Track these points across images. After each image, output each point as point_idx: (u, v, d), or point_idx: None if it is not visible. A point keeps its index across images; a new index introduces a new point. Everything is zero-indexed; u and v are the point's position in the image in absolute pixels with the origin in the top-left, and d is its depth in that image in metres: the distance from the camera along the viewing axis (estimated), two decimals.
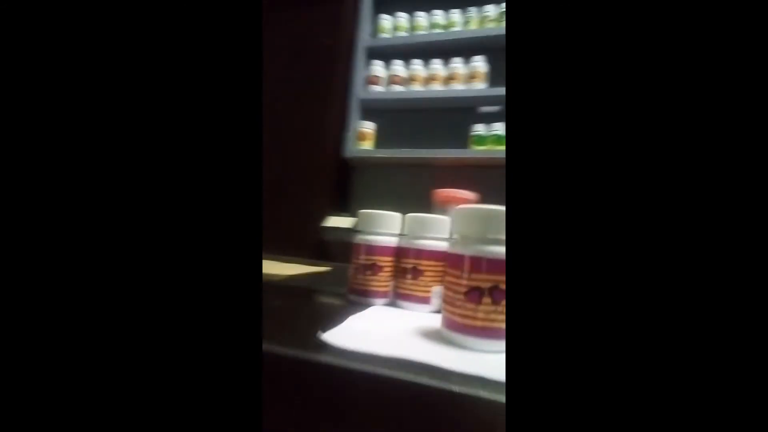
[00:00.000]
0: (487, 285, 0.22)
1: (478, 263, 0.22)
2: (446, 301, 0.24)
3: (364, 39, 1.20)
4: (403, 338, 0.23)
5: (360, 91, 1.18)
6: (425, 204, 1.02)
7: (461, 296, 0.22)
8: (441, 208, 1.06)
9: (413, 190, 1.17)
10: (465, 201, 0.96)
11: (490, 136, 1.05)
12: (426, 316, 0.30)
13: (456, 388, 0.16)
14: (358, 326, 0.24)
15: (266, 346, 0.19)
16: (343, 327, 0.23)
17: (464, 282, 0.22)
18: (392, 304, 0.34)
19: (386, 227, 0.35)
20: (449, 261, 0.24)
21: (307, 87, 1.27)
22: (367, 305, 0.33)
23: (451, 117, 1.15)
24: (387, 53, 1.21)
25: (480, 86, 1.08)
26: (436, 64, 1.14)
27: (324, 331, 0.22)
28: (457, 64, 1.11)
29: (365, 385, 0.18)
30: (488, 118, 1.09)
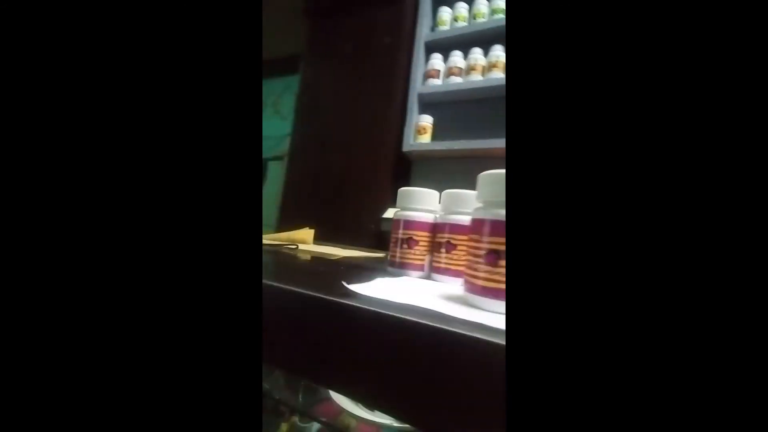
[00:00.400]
0: (503, 248, 0.22)
1: (497, 226, 0.23)
2: (467, 265, 0.25)
3: (424, 34, 1.22)
4: (421, 295, 0.24)
5: (419, 86, 1.20)
6: None
7: (480, 259, 0.23)
8: None
9: (471, 181, 1.15)
10: None
11: None
12: (457, 288, 0.31)
13: (457, 329, 0.17)
14: (383, 284, 0.27)
15: (295, 289, 0.22)
16: (370, 283, 0.26)
17: (484, 245, 0.23)
18: (428, 277, 0.36)
19: (423, 203, 0.37)
20: (472, 227, 0.25)
21: (370, 85, 1.32)
22: (401, 276, 0.35)
23: (491, 105, 1.10)
24: (446, 45, 1.20)
25: None
26: (497, 51, 1.09)
27: (350, 283, 0.24)
28: (498, 52, 1.06)
29: (376, 324, 0.20)
30: None
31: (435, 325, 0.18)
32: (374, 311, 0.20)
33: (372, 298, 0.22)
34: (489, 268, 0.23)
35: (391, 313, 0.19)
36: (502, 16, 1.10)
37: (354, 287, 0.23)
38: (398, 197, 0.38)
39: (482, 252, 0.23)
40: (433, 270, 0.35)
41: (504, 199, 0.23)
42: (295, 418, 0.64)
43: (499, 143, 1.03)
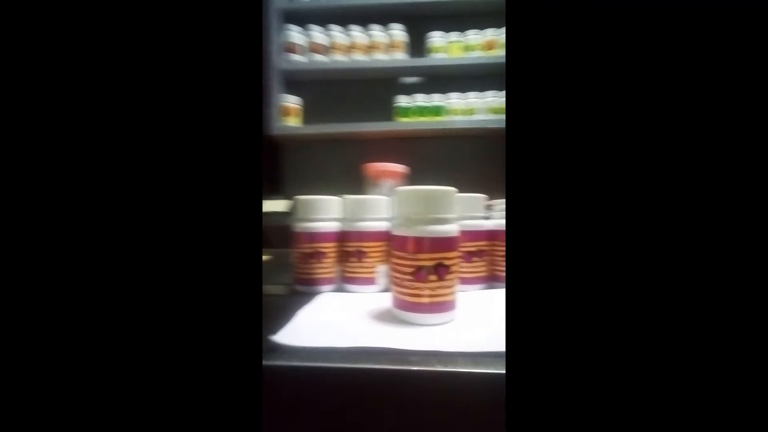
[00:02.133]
0: (431, 263, 0.23)
1: (421, 243, 0.23)
2: (394, 282, 0.25)
3: (276, 1, 1.09)
4: (355, 325, 0.23)
5: (278, 61, 1.09)
6: (357, 179, 1.02)
7: (409, 276, 0.24)
8: (373, 182, 1.07)
9: (344, 166, 1.16)
10: (395, 174, 0.98)
11: (412, 107, 1.07)
12: (374, 297, 0.31)
13: (415, 367, 0.17)
14: (309, 320, 0.24)
15: None
16: (294, 324, 0.23)
17: (410, 262, 0.23)
18: (339, 288, 0.34)
19: (326, 212, 0.34)
20: (394, 242, 0.25)
21: None
22: (314, 294, 0.32)
23: (373, 88, 1.14)
24: (302, 17, 1.12)
25: (401, 56, 1.08)
26: (356, 31, 1.09)
27: (274, 331, 0.21)
28: (377, 32, 1.08)
29: (326, 381, 0.18)
30: (409, 89, 1.10)
31: (394, 368, 0.17)
32: (328, 369, 0.18)
33: (309, 348, 0.19)
34: (419, 284, 0.23)
35: (343, 366, 0.18)
36: None
37: (283, 338, 0.20)
38: (298, 207, 0.34)
39: (409, 269, 0.24)
40: (345, 280, 0.34)
41: (427, 215, 0.24)
42: None
43: (368, 127, 1.06)
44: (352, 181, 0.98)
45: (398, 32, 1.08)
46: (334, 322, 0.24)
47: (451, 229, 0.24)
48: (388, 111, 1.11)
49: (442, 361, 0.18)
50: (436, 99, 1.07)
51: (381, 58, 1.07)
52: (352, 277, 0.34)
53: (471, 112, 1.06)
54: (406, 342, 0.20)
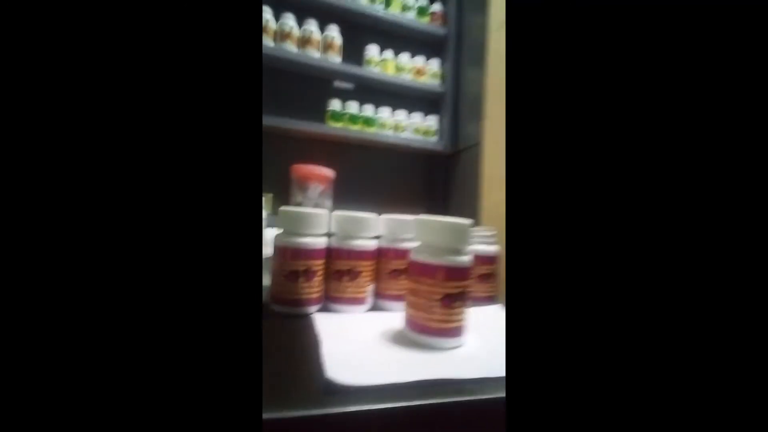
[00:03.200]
0: (457, 291, 0.25)
1: (451, 272, 0.25)
2: (416, 306, 0.25)
3: None
4: (391, 354, 0.23)
5: None
6: (282, 179, 0.95)
7: (436, 303, 0.25)
8: (300, 184, 1.01)
9: (269, 163, 1.06)
10: (323, 177, 0.96)
11: (345, 114, 1.07)
12: (369, 317, 0.31)
13: (477, 396, 0.19)
14: (343, 350, 0.22)
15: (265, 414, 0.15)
16: (332, 358, 0.21)
17: (439, 290, 0.25)
18: (325, 309, 0.32)
19: (316, 228, 0.32)
20: (416, 268, 0.26)
21: None
22: (295, 315, 0.30)
23: (305, 86, 1.08)
24: None
25: (335, 59, 1.06)
26: (290, 20, 1.02)
27: (317, 368, 0.19)
28: (313, 27, 1.04)
29: (397, 422, 0.17)
30: (342, 95, 1.10)
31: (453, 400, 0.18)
32: (402, 408, 0.17)
33: (373, 386, 0.18)
34: (447, 310, 0.25)
35: (415, 404, 0.17)
36: None
37: (338, 376, 0.18)
38: (282, 220, 0.31)
39: (437, 296, 0.25)
40: (333, 300, 0.32)
41: (455, 246, 0.25)
42: None
43: (300, 125, 1.00)
44: (277, 180, 0.91)
45: (335, 33, 1.06)
46: (364, 351, 0.23)
47: (470, 259, 0.26)
48: (317, 113, 1.07)
49: (494, 388, 0.20)
50: (368, 110, 1.09)
51: (314, 55, 1.03)
52: (342, 297, 0.32)
53: (399, 128, 1.12)
54: (456, 371, 0.21)
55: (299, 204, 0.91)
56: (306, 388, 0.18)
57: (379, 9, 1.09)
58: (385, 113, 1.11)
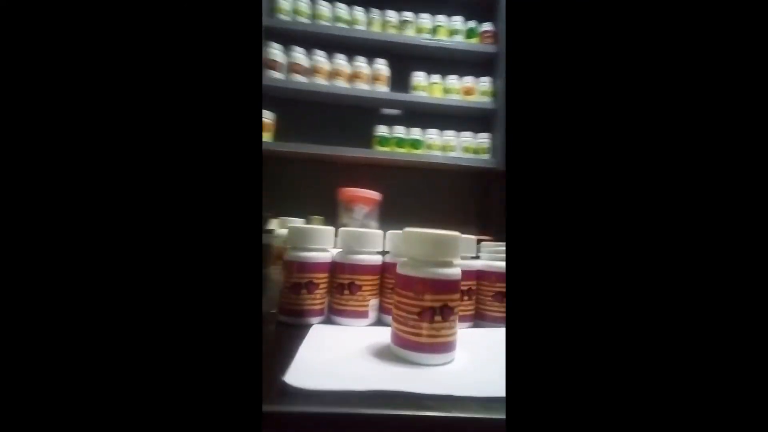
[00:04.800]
0: (438, 305, 0.24)
1: (431, 285, 0.24)
2: (397, 320, 0.25)
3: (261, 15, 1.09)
4: (361, 365, 0.23)
5: None
6: (328, 202, 1.01)
7: (414, 316, 0.24)
8: (346, 206, 1.07)
9: (315, 187, 1.15)
10: (369, 200, 1.00)
11: (392, 138, 1.11)
12: (366, 331, 0.31)
13: (433, 413, 0.17)
14: (312, 358, 0.23)
15: None
16: (297, 362, 0.22)
17: (417, 303, 0.24)
18: (327, 321, 0.33)
19: (320, 242, 0.34)
20: (400, 281, 0.25)
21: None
22: (300, 325, 0.31)
23: (354, 116, 1.16)
24: (285, 37, 1.13)
25: (383, 89, 1.12)
26: (341, 60, 1.12)
27: (274, 370, 0.20)
28: (362, 63, 1.12)
29: (341, 428, 0.17)
30: (390, 121, 1.15)
31: (411, 414, 0.17)
32: (342, 414, 0.17)
33: (325, 392, 0.18)
34: (426, 324, 0.24)
35: (364, 412, 0.17)
36: (346, 26, 1.14)
37: (292, 378, 0.19)
38: (290, 235, 0.34)
39: (416, 309, 0.24)
40: (335, 313, 0.33)
41: (437, 259, 0.24)
42: None
43: (347, 151, 1.07)
44: (325, 204, 0.98)
45: (382, 66, 1.13)
46: (339, 360, 0.23)
47: (456, 272, 0.25)
48: (365, 139, 1.13)
49: (456, 407, 0.18)
50: (415, 132, 1.12)
51: (363, 87, 1.11)
52: (343, 310, 0.33)
53: (447, 149, 1.11)
54: (418, 385, 0.20)
55: (345, 225, 0.95)
56: (267, 389, 0.19)
57: (426, 38, 1.14)
58: (433, 134, 1.12)
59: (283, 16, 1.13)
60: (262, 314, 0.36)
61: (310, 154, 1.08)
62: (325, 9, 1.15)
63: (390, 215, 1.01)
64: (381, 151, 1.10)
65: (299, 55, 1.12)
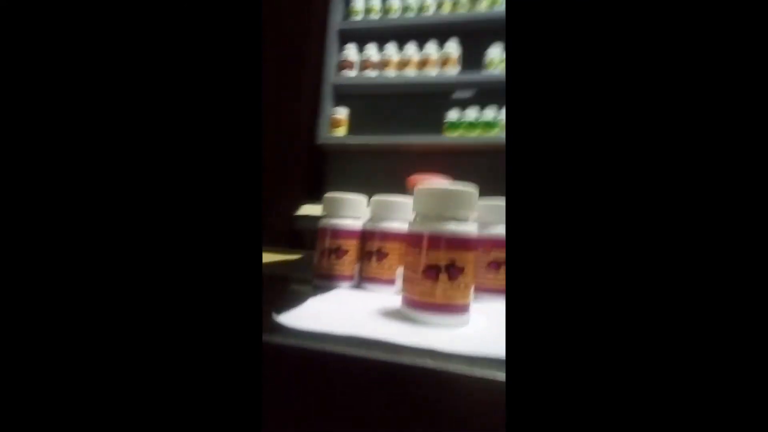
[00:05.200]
0: (444, 262, 0.22)
1: (435, 241, 0.22)
2: (405, 279, 0.24)
3: (336, 22, 1.17)
4: (360, 317, 0.23)
5: (333, 76, 1.16)
6: (399, 190, 1.02)
7: (419, 274, 0.23)
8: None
9: (387, 177, 1.17)
10: None
11: (462, 123, 1.06)
12: (390, 297, 0.30)
13: (406, 360, 0.16)
14: (316, 307, 0.24)
15: None
16: (301, 309, 0.23)
17: (422, 260, 0.23)
18: (358, 286, 0.34)
19: (351, 211, 0.35)
20: (409, 240, 0.24)
21: (279, 72, 1.22)
22: (332, 289, 0.33)
23: (424, 102, 1.15)
24: (360, 36, 1.18)
25: (453, 71, 1.08)
26: (410, 49, 1.12)
27: (280, 312, 0.21)
28: (431, 49, 1.10)
29: (317, 363, 0.17)
30: (461, 104, 1.10)
31: (384, 359, 0.17)
32: (317, 351, 0.17)
33: (308, 332, 0.19)
34: (429, 282, 0.22)
35: (335, 351, 0.17)
36: (413, 14, 1.13)
37: (285, 318, 0.21)
38: (324, 204, 0.35)
39: (421, 267, 0.23)
40: (363, 279, 0.34)
41: (443, 214, 0.23)
42: None
43: (415, 139, 1.07)
44: (395, 193, 0.99)
45: (452, 48, 1.09)
46: (340, 312, 0.24)
47: (467, 229, 0.23)
48: (437, 125, 1.11)
49: (434, 359, 0.17)
50: (489, 114, 1.05)
51: (432, 73, 1.09)
52: (371, 277, 0.33)
53: None
54: (404, 337, 0.19)
55: None
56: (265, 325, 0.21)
57: (500, 10, 1.06)
58: None
59: (357, 18, 1.18)
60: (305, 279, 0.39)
61: (381, 145, 1.11)
62: (395, 1, 1.16)
63: None
64: (449, 137, 1.06)
65: (371, 51, 1.16)
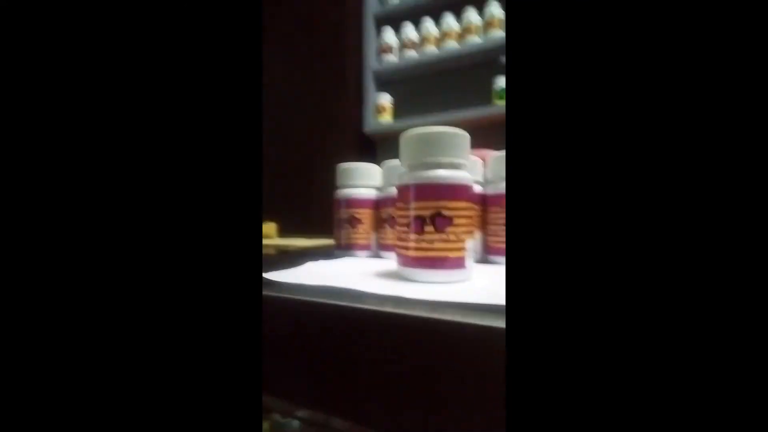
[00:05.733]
0: (428, 212, 0.20)
1: (420, 191, 0.21)
2: (398, 237, 0.23)
3: (371, 5, 1.16)
4: (349, 276, 0.22)
5: (374, 63, 1.16)
6: None
7: (405, 228, 0.21)
8: None
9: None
10: (483, 159, 0.91)
11: None
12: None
13: (370, 307, 0.16)
14: (312, 268, 0.25)
15: None
16: (295, 269, 0.24)
17: (408, 212, 0.21)
18: (376, 255, 0.34)
19: (364, 179, 0.34)
20: (398, 194, 0.23)
21: (320, 64, 1.27)
22: (348, 257, 0.33)
23: (470, 73, 1.08)
24: (397, 17, 1.16)
25: (498, 34, 0.99)
26: (449, 19, 1.06)
27: (273, 271, 0.22)
28: (471, 15, 1.03)
29: (289, 312, 0.18)
30: None
31: (348, 305, 0.16)
32: (281, 298, 0.18)
33: (284, 284, 0.20)
34: (415, 235, 0.21)
35: (297, 298, 0.17)
36: None
37: (272, 275, 0.21)
38: (338, 175, 0.36)
39: (406, 220, 0.21)
40: (380, 247, 0.33)
41: (424, 160, 0.21)
42: (276, 416, 0.63)
43: (461, 114, 1.02)
44: None
45: (494, 9, 1.00)
46: (334, 272, 0.24)
47: (456, 175, 0.21)
48: (488, 95, 1.04)
49: (399, 305, 0.15)
50: None
51: (474, 41, 1.01)
52: (387, 244, 0.33)
53: None
54: (373, 288, 0.18)
55: None
56: None
57: None
58: None
59: (392, 1, 1.16)
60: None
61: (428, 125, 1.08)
62: None
63: None
64: (498, 106, 0.98)
65: (409, 30, 1.13)
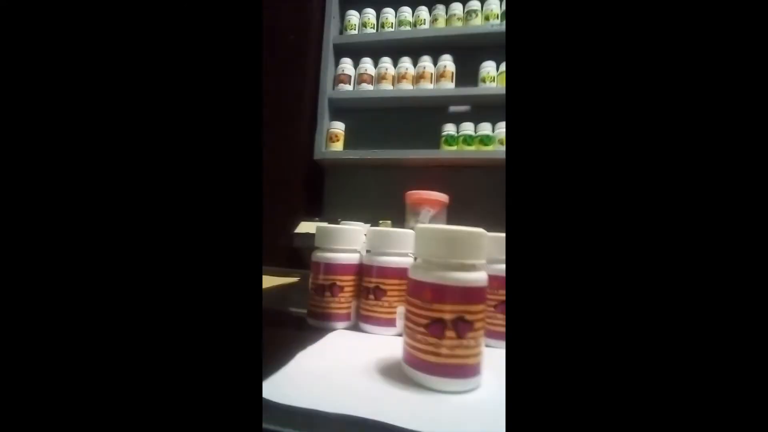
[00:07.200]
0: (450, 316, 0.20)
1: (440, 292, 0.20)
2: (407, 332, 0.21)
3: (332, 36, 1.16)
4: (357, 381, 0.20)
5: (330, 90, 1.14)
6: (397, 205, 1.00)
7: (422, 328, 0.20)
8: (413, 210, 1.04)
9: (385, 192, 1.15)
10: (436, 202, 0.95)
11: (460, 136, 1.04)
12: (389, 341, 0.28)
13: None
14: (305, 367, 0.21)
15: None
16: (288, 371, 0.20)
17: (425, 312, 0.20)
18: (355, 326, 0.31)
19: (346, 243, 0.32)
20: (410, 287, 0.22)
21: (275, 86, 1.20)
22: (327, 330, 0.30)
23: (421, 116, 1.14)
24: (355, 50, 1.17)
25: (449, 85, 1.07)
26: (405, 63, 1.11)
27: (267, 375, 0.19)
28: (426, 63, 1.09)
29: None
30: (457, 118, 1.08)
31: None
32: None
33: (296, 408, 0.16)
34: (434, 339, 0.20)
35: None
36: (409, 28, 1.13)
37: (271, 388, 0.18)
38: (317, 236, 0.33)
39: (424, 321, 0.20)
40: (361, 319, 0.31)
41: (449, 260, 0.20)
42: None
43: (412, 154, 1.05)
44: (392, 208, 0.97)
45: (447, 62, 1.08)
46: (334, 372, 0.21)
47: (477, 277, 0.20)
48: (434, 140, 1.09)
49: None
50: (485, 128, 1.03)
51: (427, 87, 1.08)
52: (368, 316, 0.31)
53: None
54: (404, 415, 0.16)
55: (411, 229, 0.93)
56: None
57: (493, 25, 1.05)
58: (503, 127, 1.02)
59: (352, 32, 1.17)
60: (294, 317, 0.36)
61: (377, 159, 1.09)
62: (390, 16, 1.16)
63: (459, 217, 0.94)
64: (447, 151, 1.04)
65: (367, 65, 1.15)
